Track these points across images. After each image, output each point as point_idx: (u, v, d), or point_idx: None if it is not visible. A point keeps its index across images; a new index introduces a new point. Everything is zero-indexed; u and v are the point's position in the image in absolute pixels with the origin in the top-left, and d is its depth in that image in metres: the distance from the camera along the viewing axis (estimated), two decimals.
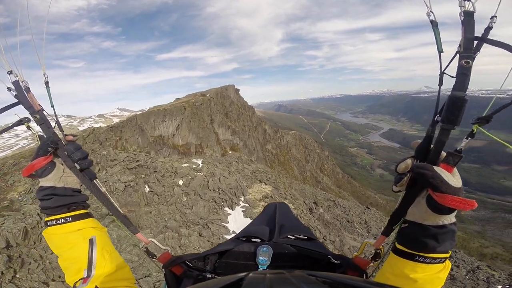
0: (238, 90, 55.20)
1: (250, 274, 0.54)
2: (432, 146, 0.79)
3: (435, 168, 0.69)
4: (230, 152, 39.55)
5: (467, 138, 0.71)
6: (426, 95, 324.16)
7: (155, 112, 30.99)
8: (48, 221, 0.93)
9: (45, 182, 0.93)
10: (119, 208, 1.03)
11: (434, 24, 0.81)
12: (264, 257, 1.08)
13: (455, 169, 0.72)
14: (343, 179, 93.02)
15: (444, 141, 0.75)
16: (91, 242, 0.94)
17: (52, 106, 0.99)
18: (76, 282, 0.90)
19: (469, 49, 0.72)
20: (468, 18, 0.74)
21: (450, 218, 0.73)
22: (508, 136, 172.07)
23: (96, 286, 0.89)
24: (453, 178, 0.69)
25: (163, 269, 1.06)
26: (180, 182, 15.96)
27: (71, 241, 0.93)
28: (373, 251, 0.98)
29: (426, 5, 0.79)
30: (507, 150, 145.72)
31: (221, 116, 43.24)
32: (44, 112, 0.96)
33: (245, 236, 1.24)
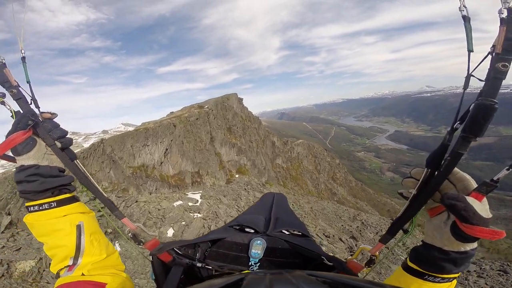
0: (241, 99, 46.82)
1: (250, 274, 0.54)
2: (447, 156, 0.70)
3: (468, 199, 0.63)
4: (237, 175, 31.48)
5: (508, 170, 0.64)
6: (428, 94, 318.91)
7: (133, 134, 23.06)
8: (30, 206, 0.81)
9: (25, 160, 0.80)
10: (102, 191, 0.92)
11: (466, 19, 0.72)
12: (257, 250, 1.02)
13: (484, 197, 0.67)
14: (357, 187, 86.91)
15: (462, 153, 0.66)
16: (78, 228, 0.85)
17: (28, 82, 0.89)
18: (61, 269, 0.83)
19: (509, 51, 0.63)
20: (511, 16, 0.64)
21: (473, 245, 0.68)
22: None
23: (82, 273, 0.82)
24: (483, 207, 0.64)
25: (151, 257, 0.97)
26: (170, 232, 11.68)
27: (57, 228, 0.83)
28: (368, 257, 0.95)
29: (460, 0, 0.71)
30: None
31: (223, 132, 35.19)
32: (20, 88, 0.86)
33: (238, 225, 1.19)
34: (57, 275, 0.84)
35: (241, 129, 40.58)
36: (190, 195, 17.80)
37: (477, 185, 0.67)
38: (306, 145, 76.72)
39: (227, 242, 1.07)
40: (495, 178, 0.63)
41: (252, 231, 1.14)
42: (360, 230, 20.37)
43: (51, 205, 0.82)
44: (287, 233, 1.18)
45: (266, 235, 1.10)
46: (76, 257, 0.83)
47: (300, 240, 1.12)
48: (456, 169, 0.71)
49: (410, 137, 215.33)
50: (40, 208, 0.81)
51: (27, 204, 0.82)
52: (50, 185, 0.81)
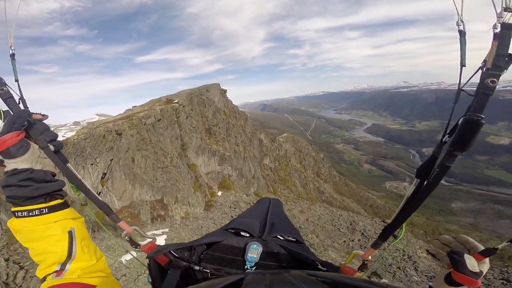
0: (225, 91, 37.48)
1: (250, 274, 0.53)
2: (435, 167, 0.74)
3: (466, 255, 0.79)
4: (219, 193, 23.04)
5: (507, 243, 0.76)
6: (405, 90, 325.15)
7: None
8: (17, 211, 0.76)
9: (19, 163, 0.74)
10: (97, 195, 0.89)
11: (462, 34, 0.72)
12: (253, 254, 1.00)
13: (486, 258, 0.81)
14: (340, 182, 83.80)
15: (450, 166, 0.70)
16: (70, 234, 0.82)
17: (17, 80, 0.87)
18: (48, 274, 0.80)
19: (499, 67, 0.63)
20: (505, 32, 0.63)
21: None
22: (484, 126, 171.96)
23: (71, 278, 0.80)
24: (479, 265, 0.80)
25: (147, 259, 0.94)
26: None
27: (48, 235, 0.79)
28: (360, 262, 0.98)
29: (458, 14, 0.70)
30: (486, 139, 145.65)
31: (200, 135, 25.73)
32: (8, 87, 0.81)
33: (234, 228, 1.16)
34: (43, 280, 0.80)
35: (225, 129, 30.86)
36: (149, 240, 9.73)
37: (481, 250, 0.80)
38: (291, 139, 71.72)
39: (223, 246, 1.05)
40: (496, 247, 0.76)
41: (248, 235, 1.12)
42: (364, 246, 18.12)
43: (42, 211, 0.77)
44: (281, 238, 1.16)
45: (262, 240, 1.08)
46: (65, 263, 0.80)
47: (294, 245, 1.11)
48: (470, 239, 0.85)
49: (386, 130, 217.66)
50: (30, 214, 0.76)
51: (14, 209, 0.77)
52: (44, 191, 0.77)
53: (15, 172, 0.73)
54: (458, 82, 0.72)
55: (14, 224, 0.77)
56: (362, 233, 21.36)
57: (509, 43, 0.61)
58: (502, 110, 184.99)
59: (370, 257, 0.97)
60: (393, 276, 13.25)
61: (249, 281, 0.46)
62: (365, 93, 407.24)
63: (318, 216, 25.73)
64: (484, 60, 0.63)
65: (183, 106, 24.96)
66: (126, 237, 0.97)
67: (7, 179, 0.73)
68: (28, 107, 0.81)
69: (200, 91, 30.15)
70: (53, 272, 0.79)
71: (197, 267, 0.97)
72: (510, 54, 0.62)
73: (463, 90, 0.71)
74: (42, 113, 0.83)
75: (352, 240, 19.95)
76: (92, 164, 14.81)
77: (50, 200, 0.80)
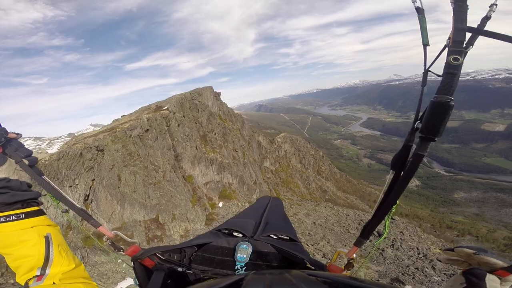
0: (218, 94, 34.88)
1: (251, 274, 0.53)
2: (409, 157, 0.69)
3: (487, 278, 0.66)
4: (220, 204, 21.03)
5: None
6: (397, 82, 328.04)
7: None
8: None
9: None
10: (74, 202, 0.95)
11: (420, 11, 0.68)
12: (243, 254, 0.99)
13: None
14: (342, 179, 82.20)
15: (423, 155, 0.65)
16: (47, 239, 0.86)
17: None
18: (29, 279, 0.81)
19: (459, 42, 0.59)
20: (459, 4, 0.59)
21: None
22: (478, 115, 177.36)
23: (53, 282, 0.81)
24: (501, 282, 0.67)
25: (132, 262, 0.96)
26: None
27: (24, 239, 0.83)
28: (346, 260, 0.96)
29: None
30: (481, 127, 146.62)
31: (195, 143, 23.32)
32: None
33: (227, 229, 1.16)
34: (26, 286, 0.81)
35: (221, 135, 28.51)
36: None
37: (507, 265, 0.65)
38: (289, 138, 70.39)
39: (212, 247, 1.03)
40: None
41: (240, 235, 1.11)
42: (378, 247, 15.83)
43: (19, 216, 0.82)
44: (274, 237, 1.14)
45: (253, 239, 1.06)
46: (44, 267, 0.81)
47: (286, 244, 1.10)
48: (491, 259, 0.69)
49: (382, 123, 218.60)
50: (7, 219, 0.81)
51: None
52: (20, 197, 0.83)
53: None
54: (424, 63, 0.67)
55: None
56: (374, 235, 19.76)
57: (466, 16, 0.56)
58: (493, 98, 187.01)
59: (354, 255, 0.95)
60: (413, 278, 12.21)
61: (249, 281, 0.46)
62: (358, 88, 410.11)
63: (325, 217, 24.39)
64: (448, 37, 0.59)
65: (174, 113, 22.51)
66: (108, 242, 0.96)
67: None
68: (2, 126, 0.87)
69: (192, 95, 27.51)
70: (34, 276, 0.79)
71: (180, 269, 0.95)
72: (470, 27, 0.57)
73: (430, 71, 0.68)
74: (16, 132, 0.91)
75: (368, 245, 18.43)
76: (70, 186, 12.74)
77: (27, 207, 0.84)
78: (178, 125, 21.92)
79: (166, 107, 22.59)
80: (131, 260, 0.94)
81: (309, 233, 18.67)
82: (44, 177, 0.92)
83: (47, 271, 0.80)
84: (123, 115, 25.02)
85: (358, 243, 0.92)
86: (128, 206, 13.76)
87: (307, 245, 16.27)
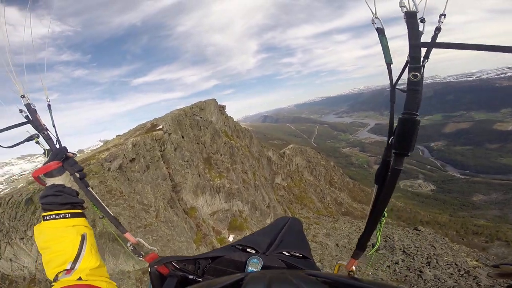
0: (223, 107, 30.27)
1: (251, 274, 0.53)
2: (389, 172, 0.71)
3: None
4: (230, 238, 17.96)
5: None
6: (402, 86, 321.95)
7: None
8: (46, 215, 0.96)
9: (56, 181, 1.02)
10: (109, 211, 1.06)
11: (380, 32, 0.71)
12: (253, 267, 1.01)
13: None
14: (355, 188, 79.34)
15: (400, 169, 0.68)
16: (83, 237, 0.98)
17: (54, 125, 1.15)
18: (59, 272, 0.90)
19: (416, 58, 0.59)
20: (411, 21, 0.59)
21: None
22: (488, 115, 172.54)
23: (80, 277, 0.89)
24: None
25: (149, 268, 1.01)
26: None
27: (65, 235, 0.95)
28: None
29: (372, 12, 0.69)
30: (494, 127, 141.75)
31: (197, 168, 19.49)
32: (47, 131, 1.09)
33: (241, 245, 1.21)
34: (55, 279, 0.89)
35: (228, 155, 24.48)
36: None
37: None
38: (299, 149, 69.42)
39: (225, 259, 1.08)
40: None
41: (254, 251, 1.15)
42: (408, 267, 14.90)
43: (66, 215, 0.97)
44: (287, 254, 1.18)
45: (264, 255, 1.11)
46: (75, 261, 0.91)
47: (298, 260, 1.13)
48: None
49: None
50: (57, 217, 0.96)
51: (44, 213, 0.97)
52: (70, 200, 1.00)
53: (52, 186, 1.00)
54: (390, 80, 0.68)
55: (40, 226, 0.96)
56: (404, 251, 17.75)
57: (418, 32, 0.56)
58: (502, 97, 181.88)
59: (354, 267, 0.98)
60: None
61: (249, 280, 0.46)
62: (363, 94, 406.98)
63: (347, 236, 22.51)
64: (408, 54, 0.59)
65: (169, 134, 18.16)
66: (131, 247, 1.04)
67: (47, 190, 0.99)
68: (63, 146, 1.09)
69: (193, 110, 22.95)
70: (64, 270, 0.89)
71: (191, 277, 0.99)
72: (423, 42, 0.57)
73: (397, 88, 0.68)
74: (73, 152, 1.09)
75: (396, 263, 16.55)
76: (22, 238, 10.47)
77: (73, 209, 1.01)
78: (175, 149, 18.19)
79: (161, 126, 18.45)
80: (148, 266, 1.00)
81: (332, 259, 17.33)
82: (89, 188, 1.07)
83: (76, 266, 0.90)
84: (118, 135, 21.39)
85: (355, 255, 0.96)
86: (111, 256, 11.19)
87: None
